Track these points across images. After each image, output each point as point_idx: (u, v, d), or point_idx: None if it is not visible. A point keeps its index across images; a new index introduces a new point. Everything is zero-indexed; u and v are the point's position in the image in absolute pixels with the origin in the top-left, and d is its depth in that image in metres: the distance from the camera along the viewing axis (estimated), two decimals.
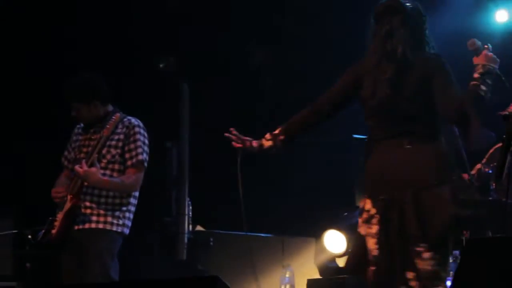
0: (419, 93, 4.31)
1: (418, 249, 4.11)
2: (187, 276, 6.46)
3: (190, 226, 8.48)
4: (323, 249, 7.31)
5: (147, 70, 8.57)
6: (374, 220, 4.33)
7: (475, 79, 4.15)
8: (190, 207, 8.47)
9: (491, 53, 4.22)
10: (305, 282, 7.40)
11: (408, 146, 4.31)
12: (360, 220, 4.44)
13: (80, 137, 5.97)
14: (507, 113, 3.39)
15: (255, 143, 4.84)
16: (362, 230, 4.39)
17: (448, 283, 5.34)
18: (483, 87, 4.08)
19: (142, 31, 8.57)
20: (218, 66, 9.06)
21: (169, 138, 8.75)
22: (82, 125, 6.04)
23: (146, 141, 5.93)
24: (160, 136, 8.60)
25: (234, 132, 4.84)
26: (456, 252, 6.48)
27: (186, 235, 8.28)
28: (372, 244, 4.30)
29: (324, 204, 8.43)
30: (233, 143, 4.83)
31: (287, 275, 7.27)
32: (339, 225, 7.44)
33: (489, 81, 4.12)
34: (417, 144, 4.29)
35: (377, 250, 4.28)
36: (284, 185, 8.94)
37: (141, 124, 5.93)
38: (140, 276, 8.00)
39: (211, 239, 8.24)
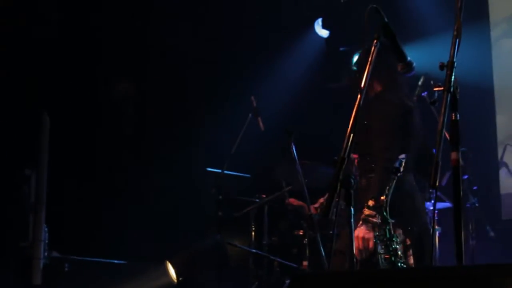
0: None
1: None
2: None
3: (46, 252, 8.39)
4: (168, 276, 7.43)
5: (8, 99, 8.47)
6: None
7: None
8: (47, 234, 8.38)
9: None
10: None
11: None
12: None
13: None
14: (335, 157, 3.57)
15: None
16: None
17: None
18: None
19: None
20: (79, 97, 9.06)
21: (28, 166, 8.65)
22: None
23: None
24: (20, 164, 8.51)
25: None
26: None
27: (41, 260, 8.19)
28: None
29: (174, 233, 8.54)
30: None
31: None
32: (174, 255, 7.58)
33: None
34: None
35: None
36: (140, 214, 8.98)
37: None
38: None
39: (66, 265, 8.17)
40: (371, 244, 4.50)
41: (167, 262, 7.35)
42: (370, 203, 4.49)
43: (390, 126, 4.87)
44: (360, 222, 4.52)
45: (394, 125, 4.89)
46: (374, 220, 4.49)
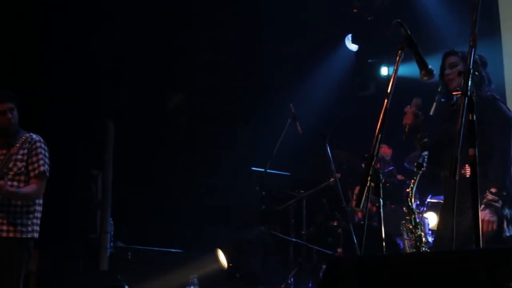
0: None
1: None
2: (98, 284, 6.40)
3: (112, 242, 8.46)
4: (218, 262, 7.43)
5: (79, 111, 8.59)
6: None
7: None
8: (112, 226, 8.45)
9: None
10: None
11: None
12: None
13: None
14: (366, 155, 3.55)
15: None
16: None
17: None
18: None
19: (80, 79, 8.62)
20: (140, 108, 9.14)
21: (95, 167, 8.74)
22: None
23: (47, 154, 5.84)
24: (88, 165, 8.60)
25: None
26: None
27: (108, 250, 8.26)
28: None
29: (223, 224, 8.56)
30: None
31: (192, 285, 7.30)
32: (224, 244, 7.58)
33: None
34: None
35: None
36: (193, 209, 9.03)
37: (41, 140, 5.86)
38: (68, 283, 7.96)
39: (129, 253, 8.24)
40: (494, 226, 4.42)
41: (218, 250, 7.36)
42: (493, 190, 4.45)
43: (507, 127, 4.84)
44: (483, 206, 4.42)
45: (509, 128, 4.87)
46: (497, 204, 4.45)
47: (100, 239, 8.43)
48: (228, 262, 7.26)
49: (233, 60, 9.42)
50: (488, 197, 4.41)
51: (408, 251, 4.25)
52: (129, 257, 8.24)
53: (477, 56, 4.82)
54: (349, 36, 9.59)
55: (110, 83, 8.85)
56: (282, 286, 7.22)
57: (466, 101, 3.29)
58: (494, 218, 4.43)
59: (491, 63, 7.62)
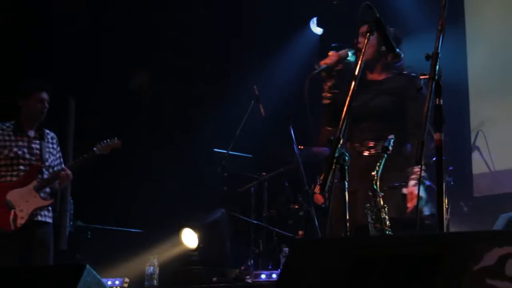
0: None
1: None
2: (57, 263, 6.40)
3: (72, 221, 8.38)
4: (181, 243, 7.38)
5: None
6: None
7: None
8: (72, 205, 8.36)
9: None
10: (168, 272, 7.43)
11: None
12: None
13: (18, 138, 6.15)
14: (332, 138, 3.52)
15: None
16: None
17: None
18: None
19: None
20: (102, 86, 9.04)
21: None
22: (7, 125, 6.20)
23: None
24: None
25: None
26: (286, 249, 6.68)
27: (67, 229, 8.19)
28: None
29: (184, 205, 8.51)
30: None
31: (151, 266, 7.23)
32: (193, 224, 7.54)
33: None
34: None
35: None
36: (155, 189, 8.96)
37: None
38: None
39: (89, 232, 8.17)
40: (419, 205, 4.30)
41: (185, 229, 7.33)
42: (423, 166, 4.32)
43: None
44: (415, 182, 4.27)
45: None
46: (427, 183, 4.40)
47: (60, 217, 8.33)
48: (199, 243, 7.23)
49: (197, 41, 9.33)
50: (418, 172, 4.33)
51: (372, 234, 4.24)
52: (89, 236, 8.16)
53: (392, 29, 4.68)
54: (314, 19, 9.54)
55: (72, 60, 8.71)
56: (242, 267, 7.20)
57: (433, 86, 3.28)
58: (422, 196, 4.39)
59: (454, 51, 7.67)
